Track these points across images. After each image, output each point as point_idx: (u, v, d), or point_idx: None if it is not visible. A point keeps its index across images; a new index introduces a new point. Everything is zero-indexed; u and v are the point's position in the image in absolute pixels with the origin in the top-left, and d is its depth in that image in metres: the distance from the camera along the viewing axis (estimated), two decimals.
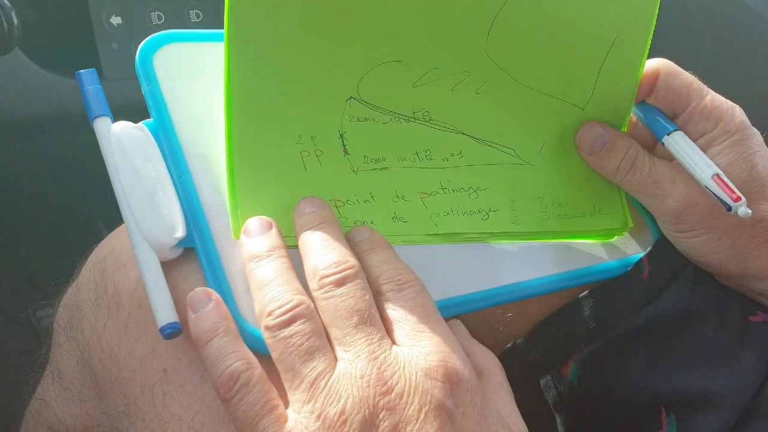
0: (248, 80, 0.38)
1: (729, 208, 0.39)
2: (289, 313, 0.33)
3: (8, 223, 0.88)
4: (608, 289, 0.44)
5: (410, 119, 0.42)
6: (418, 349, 0.33)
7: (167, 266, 0.37)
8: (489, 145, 0.44)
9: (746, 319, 0.44)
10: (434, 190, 0.42)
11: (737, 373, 0.42)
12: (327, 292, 0.34)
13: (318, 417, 0.31)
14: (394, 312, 0.34)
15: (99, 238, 0.44)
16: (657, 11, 0.42)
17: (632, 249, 0.46)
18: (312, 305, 0.34)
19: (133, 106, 0.41)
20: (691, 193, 0.42)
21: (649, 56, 0.44)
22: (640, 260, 0.44)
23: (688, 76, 0.43)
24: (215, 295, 0.35)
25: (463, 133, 0.43)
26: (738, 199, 0.39)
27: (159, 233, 0.36)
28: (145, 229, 0.36)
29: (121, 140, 0.37)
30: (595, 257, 0.45)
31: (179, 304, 0.36)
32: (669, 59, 0.44)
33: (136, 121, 0.39)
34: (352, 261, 0.35)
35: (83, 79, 0.39)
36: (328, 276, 0.34)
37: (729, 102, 0.43)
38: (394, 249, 0.38)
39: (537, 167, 0.45)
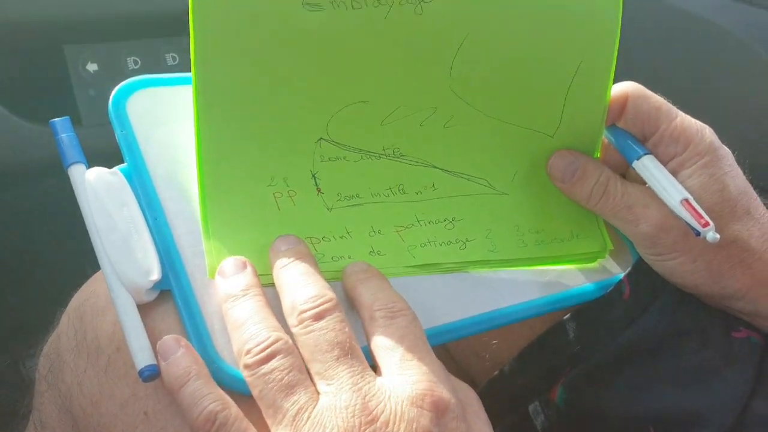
0: (217, 126, 0.39)
1: (698, 233, 0.40)
2: (267, 350, 0.33)
3: None
4: (590, 311, 0.44)
5: (381, 156, 0.42)
6: (405, 378, 0.33)
7: (144, 309, 0.37)
8: (461, 177, 0.44)
9: (729, 335, 0.44)
10: (410, 223, 0.42)
11: (723, 390, 0.42)
12: (306, 327, 0.34)
13: None
14: (384, 340, 0.34)
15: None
16: (618, 36, 0.43)
17: (612, 270, 0.46)
18: (290, 341, 0.34)
19: (113, 151, 0.41)
20: (664, 217, 0.42)
21: (620, 79, 0.45)
22: (621, 281, 0.44)
23: (657, 99, 0.43)
24: (184, 341, 0.35)
25: (434, 167, 0.43)
26: (706, 224, 0.39)
27: (135, 276, 0.36)
28: (121, 273, 0.36)
29: (95, 186, 0.38)
30: (576, 280, 0.45)
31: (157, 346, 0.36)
32: (639, 81, 0.44)
33: (115, 166, 0.40)
34: (330, 294, 0.35)
35: (57, 127, 0.40)
36: (306, 311, 0.34)
37: (699, 123, 0.43)
38: (388, 279, 0.38)
39: (511, 196, 0.45)
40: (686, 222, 0.40)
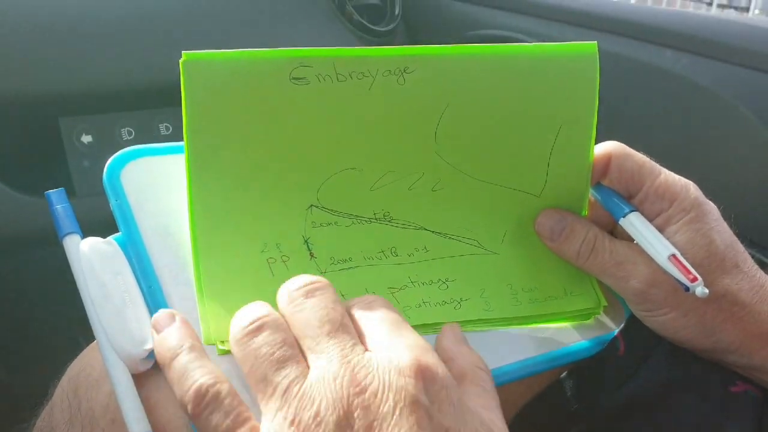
0: (209, 195, 0.39)
1: (687, 289, 0.40)
2: (257, 322, 0.33)
3: None
4: (587, 369, 0.44)
5: (372, 220, 0.43)
6: (392, 350, 0.32)
7: (140, 378, 0.37)
8: (452, 239, 0.45)
9: (727, 389, 0.44)
10: (404, 284, 0.43)
11: None
12: (297, 305, 0.34)
13: (292, 422, 0.30)
14: (366, 323, 0.34)
15: (79, 353, 0.44)
16: (596, 99, 0.44)
17: (607, 325, 0.46)
18: (281, 319, 0.34)
19: (107, 221, 0.42)
20: (653, 273, 0.42)
21: (603, 138, 0.45)
22: (615, 337, 0.44)
23: (640, 157, 0.44)
24: (180, 315, 0.35)
25: (425, 229, 0.44)
26: (694, 279, 0.40)
27: (129, 346, 0.36)
28: (115, 343, 0.36)
29: (90, 256, 0.38)
30: (571, 337, 0.45)
31: (152, 415, 0.35)
32: (622, 140, 0.45)
33: (109, 236, 0.40)
34: (323, 279, 0.35)
35: (52, 198, 0.40)
36: (297, 289, 0.34)
37: (683, 179, 0.44)
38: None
39: (502, 255, 0.45)
40: (675, 278, 0.40)
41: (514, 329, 0.44)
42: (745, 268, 0.43)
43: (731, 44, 0.76)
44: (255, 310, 0.34)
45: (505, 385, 0.42)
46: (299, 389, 0.31)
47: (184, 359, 0.33)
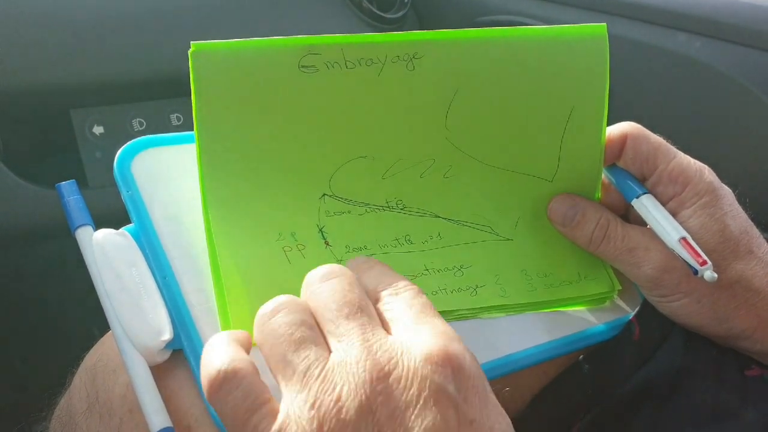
0: (222, 185, 0.39)
1: (696, 272, 0.40)
2: (276, 303, 0.32)
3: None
4: (601, 353, 0.44)
5: (385, 209, 0.43)
6: (418, 336, 0.31)
7: (157, 369, 0.37)
8: (465, 225, 0.44)
9: (743, 373, 0.44)
10: (419, 271, 0.43)
11: (742, 430, 0.41)
12: (314, 291, 0.33)
13: (312, 405, 0.29)
14: (391, 313, 0.33)
15: (94, 344, 0.44)
16: (607, 81, 0.43)
17: (622, 309, 0.46)
18: (302, 301, 0.33)
19: (120, 212, 0.42)
20: (666, 259, 0.42)
21: (621, 119, 0.45)
22: (630, 321, 0.44)
23: (656, 139, 0.44)
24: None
25: (438, 216, 0.44)
26: (704, 263, 0.39)
27: (146, 337, 0.36)
28: (132, 335, 0.36)
29: (103, 248, 0.38)
30: (585, 321, 0.45)
31: (170, 405, 0.35)
32: (640, 119, 0.45)
33: (122, 227, 0.40)
34: (341, 266, 0.34)
35: (63, 191, 0.40)
36: (314, 276, 0.34)
37: (698, 163, 0.43)
38: (390, 267, 0.37)
39: (515, 241, 0.45)
40: (684, 261, 0.40)
41: (528, 314, 0.44)
42: (760, 253, 0.42)
43: (746, 27, 0.75)
44: (276, 298, 0.33)
45: (519, 371, 0.42)
46: (320, 372, 0.30)
47: (210, 344, 0.33)
